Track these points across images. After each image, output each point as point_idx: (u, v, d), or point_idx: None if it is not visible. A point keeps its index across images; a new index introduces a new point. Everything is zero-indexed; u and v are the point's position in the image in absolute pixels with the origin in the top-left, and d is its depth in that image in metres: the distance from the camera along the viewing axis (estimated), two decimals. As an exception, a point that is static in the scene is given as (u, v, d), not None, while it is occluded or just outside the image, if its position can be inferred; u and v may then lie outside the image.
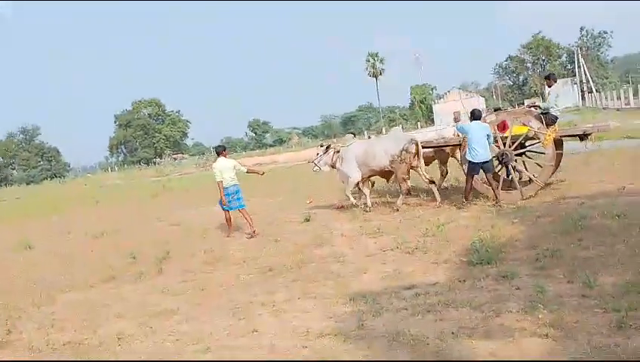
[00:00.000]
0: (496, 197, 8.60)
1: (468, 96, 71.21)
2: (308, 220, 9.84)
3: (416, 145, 9.48)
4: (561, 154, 9.72)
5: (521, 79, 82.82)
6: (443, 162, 10.94)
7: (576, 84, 65.61)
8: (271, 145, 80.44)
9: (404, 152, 9.39)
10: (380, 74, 73.80)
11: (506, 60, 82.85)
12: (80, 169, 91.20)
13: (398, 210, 9.43)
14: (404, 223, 8.40)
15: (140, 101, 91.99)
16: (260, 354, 4.23)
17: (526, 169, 9.28)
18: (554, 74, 10.08)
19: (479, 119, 8.84)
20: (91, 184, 43.98)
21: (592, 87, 57.55)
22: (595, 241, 5.81)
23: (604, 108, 40.62)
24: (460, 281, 5.24)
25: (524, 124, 8.86)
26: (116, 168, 74.91)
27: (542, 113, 9.18)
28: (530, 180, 9.00)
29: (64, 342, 5.13)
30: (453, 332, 4.03)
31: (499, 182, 8.99)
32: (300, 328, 4.64)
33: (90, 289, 7.05)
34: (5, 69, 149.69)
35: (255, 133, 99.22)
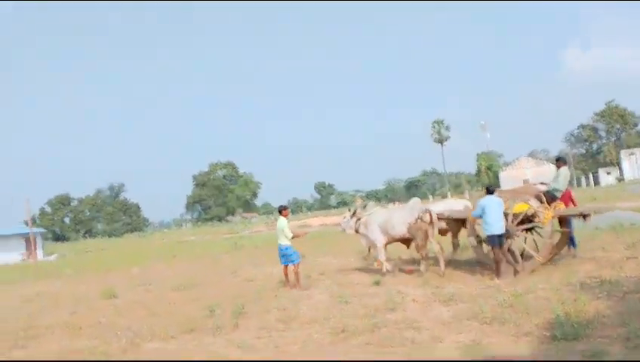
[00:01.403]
0: (498, 272, 9.08)
1: (537, 164, 68.91)
2: (378, 283, 9.81)
3: (430, 214, 10.22)
4: (569, 231, 10.08)
5: (594, 148, 79.45)
6: (454, 234, 11.40)
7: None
8: (334, 207, 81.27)
9: (419, 220, 10.16)
10: (445, 140, 73.96)
11: (577, 128, 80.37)
12: (157, 224, 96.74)
13: (421, 274, 10.05)
14: (479, 292, 8.17)
15: (217, 163, 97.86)
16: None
17: (536, 246, 9.91)
18: (564, 158, 10.71)
19: (493, 193, 9.46)
20: (168, 239, 46.17)
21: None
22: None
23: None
24: (545, 357, 5.01)
25: (524, 202, 9.39)
26: (190, 224, 78.32)
27: (546, 192, 9.70)
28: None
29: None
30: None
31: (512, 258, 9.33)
32: (377, 393, 4.61)
33: (171, 339, 7.38)
34: (98, 128, 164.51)
35: (320, 195, 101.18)
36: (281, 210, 10.83)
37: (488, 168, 72.29)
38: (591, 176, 67.40)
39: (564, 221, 9.92)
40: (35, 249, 36.40)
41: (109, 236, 77.96)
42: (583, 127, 79.14)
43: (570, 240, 10.20)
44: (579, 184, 65.65)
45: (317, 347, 6.26)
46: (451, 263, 11.13)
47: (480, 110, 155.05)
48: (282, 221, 10.50)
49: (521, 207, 9.36)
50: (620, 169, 65.14)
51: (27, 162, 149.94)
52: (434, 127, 74.22)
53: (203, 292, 11.23)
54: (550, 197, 9.61)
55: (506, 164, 72.91)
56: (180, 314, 8.86)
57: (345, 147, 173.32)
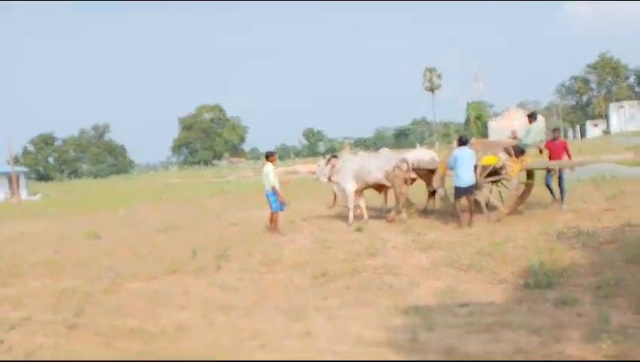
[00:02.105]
0: (471, 220, 9.26)
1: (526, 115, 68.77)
2: (360, 230, 9.93)
3: (407, 163, 10.49)
4: (532, 183, 10.56)
5: (584, 100, 79.28)
6: (428, 183, 11.51)
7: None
8: (322, 154, 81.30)
9: (396, 168, 10.40)
10: (437, 88, 73.13)
11: (569, 80, 79.71)
12: (143, 166, 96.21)
13: (403, 221, 10.21)
14: (458, 240, 8.31)
15: (203, 106, 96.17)
16: (313, 356, 4.36)
17: (501, 196, 10.34)
18: (536, 113, 10.88)
19: (466, 145, 9.46)
20: (154, 181, 46.04)
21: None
22: (665, 273, 5.55)
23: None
24: (517, 303, 5.16)
25: (494, 155, 9.64)
26: (176, 167, 77.96)
27: (515, 145, 9.92)
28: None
29: (128, 329, 5.47)
30: (509, 355, 4.00)
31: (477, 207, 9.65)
32: (353, 335, 4.73)
33: (154, 279, 7.45)
34: (82, 67, 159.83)
35: (309, 142, 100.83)
36: (268, 156, 10.75)
37: (477, 118, 72.11)
38: (578, 128, 67.77)
39: (530, 173, 10.43)
40: (19, 188, 36.07)
41: (95, 177, 77.43)
42: (574, 78, 78.50)
43: (561, 193, 10.38)
44: (565, 136, 66.03)
45: (297, 289, 6.37)
46: (433, 212, 11.29)
47: (473, 59, 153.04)
48: (268, 167, 10.43)
49: (490, 160, 9.64)
50: (608, 121, 65.40)
51: (9, 100, 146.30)
52: (425, 74, 73.19)
53: (187, 234, 11.29)
54: (519, 151, 9.84)
55: (496, 115, 72.74)
56: (164, 256, 8.92)
57: (335, 93, 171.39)
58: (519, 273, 6.08)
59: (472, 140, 11.54)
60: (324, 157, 12.13)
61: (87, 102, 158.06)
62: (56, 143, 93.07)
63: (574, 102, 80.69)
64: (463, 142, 9.54)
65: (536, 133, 10.25)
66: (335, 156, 11.89)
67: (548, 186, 10.51)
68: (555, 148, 10.36)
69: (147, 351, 4.84)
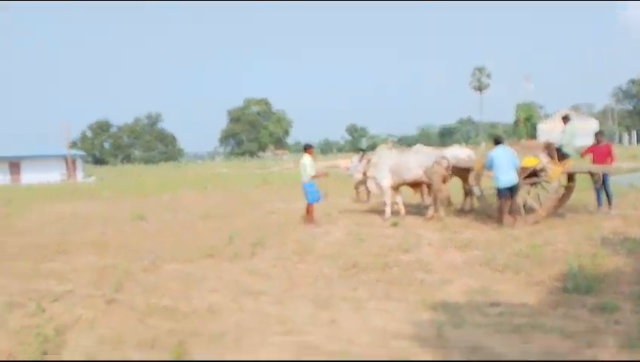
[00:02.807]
0: (514, 222, 8.97)
1: (579, 119, 65.94)
2: (395, 225, 9.84)
3: (447, 160, 10.32)
4: (573, 187, 10.31)
5: (641, 105, 75.42)
6: (465, 181, 11.18)
7: None
8: (364, 150, 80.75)
9: (435, 165, 10.19)
10: (485, 88, 71.24)
11: (627, 83, 75.78)
12: (192, 155, 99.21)
13: (440, 219, 10.07)
14: (496, 240, 8.09)
15: (251, 99, 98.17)
16: (337, 346, 4.37)
17: (539, 199, 9.95)
18: (569, 115, 10.55)
19: (501, 144, 9.20)
20: (201, 170, 47.25)
21: None
22: None
23: None
24: (551, 307, 4.98)
25: (534, 156, 9.41)
26: (223, 157, 79.73)
27: (557, 148, 9.71)
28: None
29: (162, 307, 5.67)
30: (538, 356, 3.87)
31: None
32: (378, 327, 4.71)
33: (190, 262, 7.68)
34: (139, 57, 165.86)
35: (352, 137, 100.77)
36: (307, 148, 10.83)
37: (527, 119, 69.68)
38: (635, 133, 64.32)
39: (571, 177, 10.14)
40: (75, 170, 37.91)
41: (146, 163, 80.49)
42: (632, 82, 74.80)
43: (607, 197, 9.96)
44: (620, 141, 62.80)
45: (327, 280, 6.39)
46: (470, 212, 11.04)
47: (524, 60, 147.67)
48: (306, 158, 10.52)
49: (530, 161, 9.37)
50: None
51: (70, 86, 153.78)
52: (474, 74, 71.57)
53: (228, 222, 11.54)
54: (562, 155, 9.66)
55: (546, 116, 70.15)
56: (202, 241, 9.17)
57: (381, 90, 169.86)
58: (557, 276, 5.87)
59: (510, 141, 11.21)
60: (359, 153, 11.97)
61: (143, 92, 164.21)
62: (111, 130, 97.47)
63: (631, 107, 76.81)
64: (498, 142, 9.28)
65: (570, 135, 9.99)
66: (363, 150, 11.97)
67: (597, 191, 10.06)
68: (598, 151, 9.97)
69: (178, 329, 5.01)
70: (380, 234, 9.06)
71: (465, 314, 4.91)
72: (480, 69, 71.41)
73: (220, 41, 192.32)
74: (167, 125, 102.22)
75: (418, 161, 10.50)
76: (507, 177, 8.90)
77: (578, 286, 5.34)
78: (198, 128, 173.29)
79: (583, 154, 10.33)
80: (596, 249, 6.93)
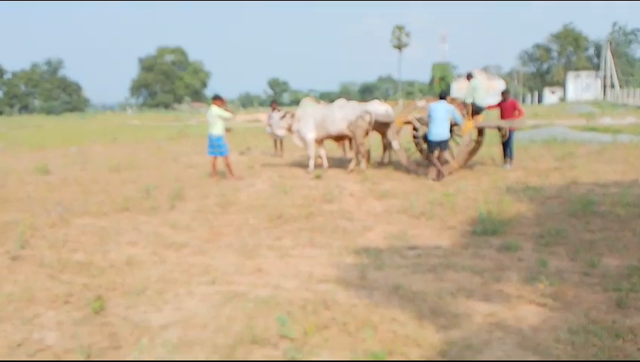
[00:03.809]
0: (439, 174, 9.30)
1: (489, 78, 69.98)
2: (318, 177, 9.96)
3: (370, 115, 10.51)
4: (482, 141, 10.93)
5: (544, 68, 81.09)
6: (384, 135, 11.67)
7: (599, 78, 64.16)
8: (287, 105, 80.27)
9: (360, 119, 10.39)
10: (405, 47, 72.77)
11: (532, 47, 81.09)
12: (100, 106, 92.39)
13: (361, 171, 10.31)
14: (413, 190, 8.48)
15: (165, 48, 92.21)
16: (264, 292, 4.41)
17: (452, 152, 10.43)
18: (472, 73, 11.13)
19: (444, 99, 9.45)
20: (110, 122, 44.36)
21: (616, 82, 56.43)
22: (602, 226, 5.87)
23: (624, 105, 39.71)
24: (462, 248, 5.35)
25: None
26: (135, 109, 75.29)
27: (466, 103, 10.39)
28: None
29: (75, 262, 5.35)
30: (452, 293, 4.17)
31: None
32: (304, 272, 4.80)
33: (103, 216, 7.27)
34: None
35: (273, 92, 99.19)
36: (216, 99, 10.33)
37: (441, 78, 72.61)
38: (537, 94, 69.58)
39: (481, 131, 10.82)
40: (-38, 121, 34.00)
41: (47, 114, 73.92)
42: (537, 46, 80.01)
43: (509, 152, 10.65)
44: (524, 100, 67.70)
45: (251, 230, 6.37)
46: (391, 163, 11.43)
47: (440, 21, 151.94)
48: (217, 109, 10.07)
49: None
50: (565, 89, 67.51)
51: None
52: (394, 32, 72.48)
53: (141, 174, 11.03)
54: (475, 111, 10.31)
55: (460, 76, 73.62)
56: (116, 194, 8.70)
57: (302, 45, 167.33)
58: (468, 221, 6.30)
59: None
60: (273, 108, 11.77)
61: (41, 36, 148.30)
62: (5, 76, 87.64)
63: (535, 70, 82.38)
64: (441, 96, 9.54)
65: (472, 89, 10.59)
66: (275, 105, 12.13)
67: (503, 146, 10.78)
68: (505, 107, 10.62)
69: (94, 284, 4.76)
70: (304, 186, 9.13)
71: (385, 257, 5.14)
72: (400, 28, 72.40)
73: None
74: (71, 72, 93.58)
75: (343, 114, 10.60)
76: (438, 131, 9.19)
77: (486, 229, 5.78)
78: (106, 77, 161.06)
79: (489, 108, 10.95)
80: (502, 196, 7.49)
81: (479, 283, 4.37)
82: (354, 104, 11.16)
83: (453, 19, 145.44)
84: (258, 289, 4.49)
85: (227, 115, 10.06)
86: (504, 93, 10.93)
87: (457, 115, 9.37)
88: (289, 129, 11.22)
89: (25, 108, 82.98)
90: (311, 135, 10.79)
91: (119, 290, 4.60)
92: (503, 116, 10.68)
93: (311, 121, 10.77)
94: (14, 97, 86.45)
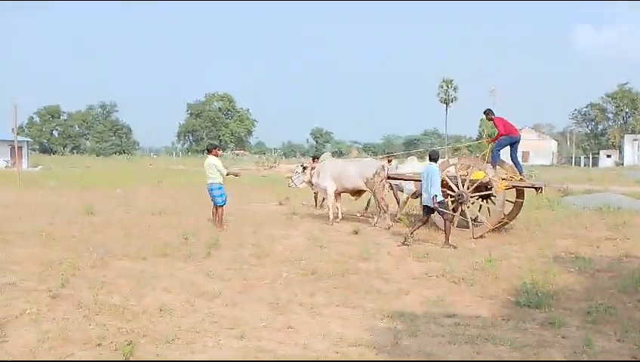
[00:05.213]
0: (412, 234, 8.97)
1: (539, 137, 68.66)
2: (357, 233, 9.86)
3: (386, 170, 10.79)
4: (522, 202, 10.56)
5: (599, 129, 78.89)
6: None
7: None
8: (313, 157, 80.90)
9: (376, 175, 10.55)
10: (452, 101, 72.46)
11: (586, 107, 79.13)
12: (147, 149, 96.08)
13: (390, 227, 10.30)
14: (454, 253, 8.24)
15: (214, 94, 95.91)
16: (292, 351, 4.30)
17: (489, 212, 10.20)
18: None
19: (435, 161, 9.15)
20: (156, 165, 46.02)
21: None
22: (657, 305, 5.48)
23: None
24: (503, 319, 5.11)
25: (482, 170, 9.78)
26: (180, 154, 77.86)
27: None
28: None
29: (111, 305, 5.42)
30: (488, 368, 3.94)
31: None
32: (335, 333, 4.68)
33: (142, 260, 7.40)
34: (94, 42, 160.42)
35: (316, 142, 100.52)
36: (211, 149, 10.68)
37: (489, 135, 71.64)
38: (591, 156, 67.11)
39: (520, 192, 10.46)
40: (21, 157, 36.10)
41: (97, 155, 77.44)
42: (591, 105, 77.84)
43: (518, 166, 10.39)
44: (577, 163, 65.34)
45: (284, 284, 6.31)
46: (432, 224, 11.20)
47: (490, 77, 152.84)
48: (214, 159, 10.38)
49: (477, 175, 9.77)
50: (621, 153, 64.59)
51: (18, 66, 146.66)
52: (442, 86, 72.28)
53: (182, 219, 11.24)
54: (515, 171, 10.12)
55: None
56: (155, 238, 8.88)
57: (348, 98, 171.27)
58: (510, 290, 6.03)
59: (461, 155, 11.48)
60: (301, 165, 11.98)
61: (96, 79, 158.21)
62: (62, 117, 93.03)
63: (589, 130, 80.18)
64: (432, 158, 9.06)
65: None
66: (316, 160, 12.18)
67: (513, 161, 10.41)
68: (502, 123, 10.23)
69: (127, 328, 4.79)
70: (341, 241, 9.05)
71: (421, 323, 4.95)
72: (447, 82, 72.01)
73: (182, 30, 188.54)
74: (122, 116, 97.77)
75: (359, 170, 10.81)
76: (425, 195, 8.88)
77: (529, 301, 5.51)
78: (155, 122, 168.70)
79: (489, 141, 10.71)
80: (548, 266, 7.16)
81: (518, 359, 4.12)
82: (370, 160, 11.39)
83: (504, 73, 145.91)
84: (286, 347, 4.40)
85: (223, 170, 10.43)
86: (488, 113, 10.51)
87: (435, 181, 8.65)
88: (309, 182, 11.55)
89: (77, 149, 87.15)
90: (331, 187, 11.05)
91: (150, 336, 4.61)
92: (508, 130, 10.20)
93: (327, 173, 11.10)
94: (68, 137, 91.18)
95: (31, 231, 9.26)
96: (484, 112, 10.55)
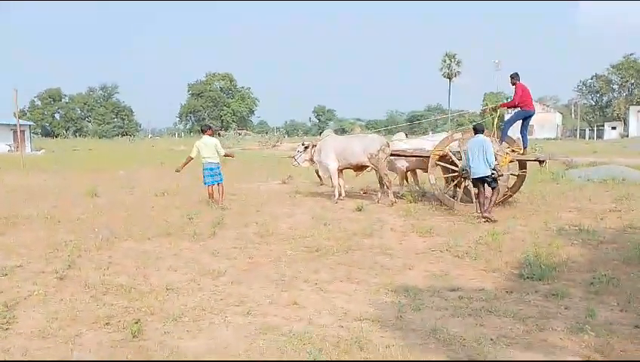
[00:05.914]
0: (481, 211, 8.81)
1: (544, 110, 67.87)
2: (360, 210, 9.87)
3: (389, 147, 10.77)
4: (524, 175, 10.58)
5: (604, 100, 77.80)
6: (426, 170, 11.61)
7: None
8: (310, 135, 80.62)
9: (380, 152, 10.48)
10: (455, 76, 71.48)
11: (591, 78, 77.82)
12: (149, 130, 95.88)
13: (392, 204, 10.29)
14: (458, 227, 8.26)
15: (214, 74, 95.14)
16: (297, 327, 4.35)
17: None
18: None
19: (482, 133, 9.08)
20: (158, 146, 46.00)
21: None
22: (659, 276, 5.50)
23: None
24: (507, 292, 5.14)
25: None
26: (182, 135, 77.63)
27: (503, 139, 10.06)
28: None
29: (117, 285, 5.48)
30: (492, 339, 3.98)
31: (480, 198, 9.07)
32: (339, 309, 4.73)
33: (147, 241, 7.46)
34: (93, 24, 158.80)
35: (319, 120, 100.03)
36: (206, 129, 10.76)
37: (493, 109, 70.81)
38: (595, 128, 66.42)
39: (523, 165, 10.45)
40: (24, 141, 36.12)
41: (99, 137, 77.47)
42: (597, 77, 76.43)
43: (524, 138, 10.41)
44: (582, 136, 64.66)
45: (289, 262, 6.35)
46: (435, 198, 11.17)
47: (493, 50, 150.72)
48: (211, 138, 10.56)
49: None
50: (626, 125, 63.77)
51: (20, 52, 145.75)
52: (445, 60, 71.15)
53: (185, 200, 11.28)
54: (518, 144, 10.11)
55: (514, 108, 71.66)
56: (160, 219, 8.92)
57: (350, 74, 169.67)
58: (514, 263, 6.06)
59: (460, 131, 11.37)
60: (303, 144, 11.90)
61: (97, 60, 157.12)
62: (63, 100, 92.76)
63: (594, 102, 78.95)
64: (477, 130, 9.12)
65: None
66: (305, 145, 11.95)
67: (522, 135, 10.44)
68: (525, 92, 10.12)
69: (134, 307, 4.85)
70: (344, 218, 9.07)
71: (424, 297, 5.00)
72: (450, 56, 70.71)
73: (183, 11, 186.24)
74: (124, 97, 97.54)
75: (363, 146, 10.70)
76: (474, 167, 8.81)
77: (533, 273, 5.53)
78: (157, 103, 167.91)
79: (503, 106, 11.10)
80: (552, 239, 7.16)
81: (522, 330, 4.16)
82: (374, 136, 11.27)
83: (508, 46, 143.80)
84: (292, 323, 4.45)
85: (221, 150, 10.62)
86: (513, 77, 10.39)
87: (490, 151, 8.76)
88: (311, 160, 11.47)
89: (79, 131, 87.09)
90: (333, 164, 10.96)
91: (157, 315, 4.67)
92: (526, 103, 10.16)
93: (331, 150, 10.99)
94: (70, 120, 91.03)
95: (36, 215, 9.32)
96: (511, 76, 10.33)
